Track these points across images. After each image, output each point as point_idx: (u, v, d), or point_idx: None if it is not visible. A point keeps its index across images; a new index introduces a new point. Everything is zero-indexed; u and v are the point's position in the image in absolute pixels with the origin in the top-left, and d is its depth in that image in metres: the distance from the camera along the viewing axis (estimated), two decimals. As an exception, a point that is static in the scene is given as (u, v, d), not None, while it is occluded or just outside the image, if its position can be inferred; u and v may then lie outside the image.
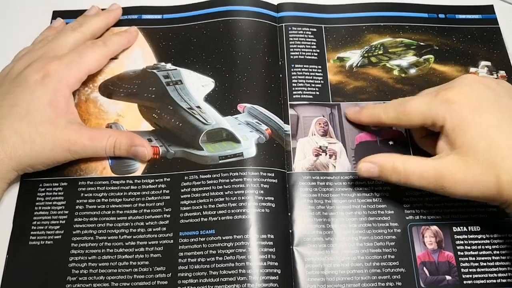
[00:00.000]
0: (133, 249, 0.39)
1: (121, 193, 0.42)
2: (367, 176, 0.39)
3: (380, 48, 0.50)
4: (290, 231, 0.41)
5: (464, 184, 0.35)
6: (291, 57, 0.49)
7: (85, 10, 0.49)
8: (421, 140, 0.43)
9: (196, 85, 0.47)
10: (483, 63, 0.49)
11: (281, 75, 0.48)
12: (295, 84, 0.47)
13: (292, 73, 0.48)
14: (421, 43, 0.50)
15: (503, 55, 0.50)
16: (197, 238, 0.40)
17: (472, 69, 0.49)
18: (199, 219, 0.40)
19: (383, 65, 0.49)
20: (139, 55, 0.48)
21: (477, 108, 0.36)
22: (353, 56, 0.49)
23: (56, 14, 0.51)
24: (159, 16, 0.51)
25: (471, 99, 0.37)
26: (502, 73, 0.48)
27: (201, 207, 0.41)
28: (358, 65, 0.49)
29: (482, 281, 0.39)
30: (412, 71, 0.49)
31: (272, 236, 0.40)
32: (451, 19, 0.52)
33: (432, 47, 0.50)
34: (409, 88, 0.47)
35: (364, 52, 0.50)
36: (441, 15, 0.52)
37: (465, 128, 0.36)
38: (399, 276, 0.39)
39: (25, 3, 0.53)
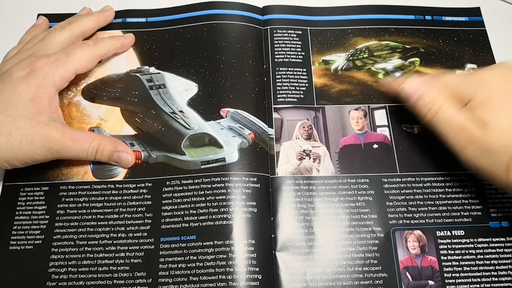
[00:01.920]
0: (113, 254, 0.39)
1: (102, 198, 0.41)
2: (408, 91, 0.41)
3: (365, 51, 0.50)
4: (273, 236, 0.41)
5: (477, 146, 0.36)
6: (276, 60, 0.48)
7: (70, 14, 0.49)
8: None
9: (179, 89, 0.46)
10: (469, 65, 0.49)
11: (265, 79, 0.48)
12: (280, 88, 0.47)
13: (277, 76, 0.48)
14: (407, 46, 0.50)
15: (489, 58, 0.49)
16: (178, 244, 0.39)
17: (458, 72, 0.48)
18: (180, 224, 0.40)
19: (368, 69, 0.49)
20: (122, 58, 0.48)
21: (507, 91, 0.37)
22: (338, 59, 0.49)
23: (41, 18, 0.51)
24: (143, 19, 0.50)
25: (502, 83, 0.38)
26: (487, 76, 0.48)
27: (182, 212, 0.41)
28: (343, 68, 0.49)
29: (465, 286, 0.39)
30: (397, 74, 0.48)
31: (253, 242, 0.39)
32: (437, 21, 0.52)
33: (418, 49, 0.50)
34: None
35: (349, 55, 0.49)
36: (428, 17, 0.52)
37: (491, 105, 0.37)
38: (382, 281, 0.39)
39: (10, 6, 0.53)
